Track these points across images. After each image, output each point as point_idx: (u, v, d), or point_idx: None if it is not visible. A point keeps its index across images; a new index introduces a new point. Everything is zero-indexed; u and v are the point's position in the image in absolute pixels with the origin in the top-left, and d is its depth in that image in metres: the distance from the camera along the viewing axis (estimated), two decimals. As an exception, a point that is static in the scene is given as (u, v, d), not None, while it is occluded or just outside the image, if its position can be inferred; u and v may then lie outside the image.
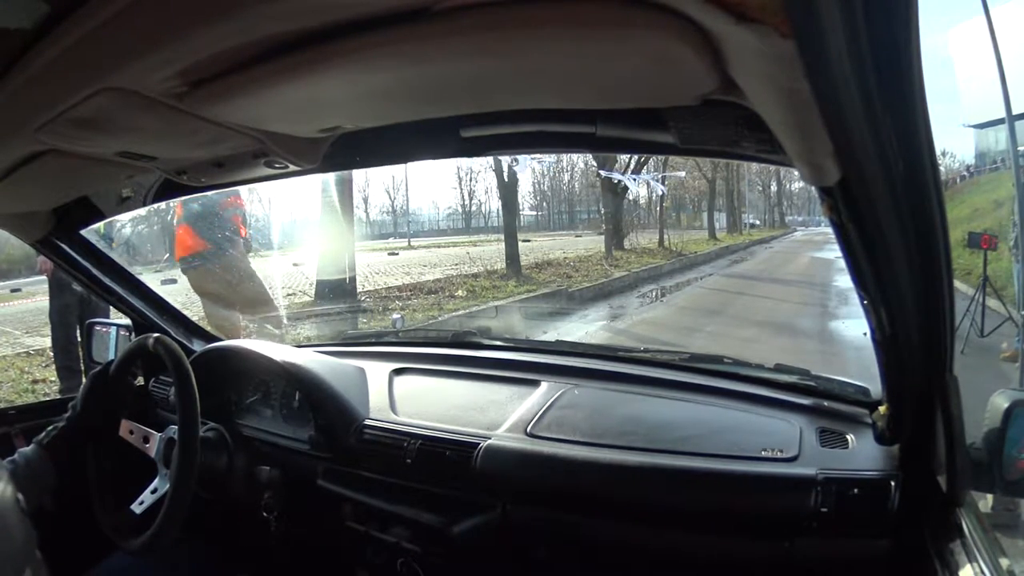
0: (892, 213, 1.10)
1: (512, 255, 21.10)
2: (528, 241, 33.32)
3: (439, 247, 33.88)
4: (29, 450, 2.27)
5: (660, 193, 35.84)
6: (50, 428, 2.33)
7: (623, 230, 28.94)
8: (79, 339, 6.79)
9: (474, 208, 59.68)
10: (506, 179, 23.27)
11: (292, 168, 1.86)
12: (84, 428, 2.36)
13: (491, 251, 24.62)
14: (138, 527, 2.24)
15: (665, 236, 32.08)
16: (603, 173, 24.84)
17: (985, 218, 22.45)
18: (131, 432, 2.36)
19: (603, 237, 28.74)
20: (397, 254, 30.66)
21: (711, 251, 32.27)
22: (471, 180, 57.95)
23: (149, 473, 2.30)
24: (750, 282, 21.72)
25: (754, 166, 39.18)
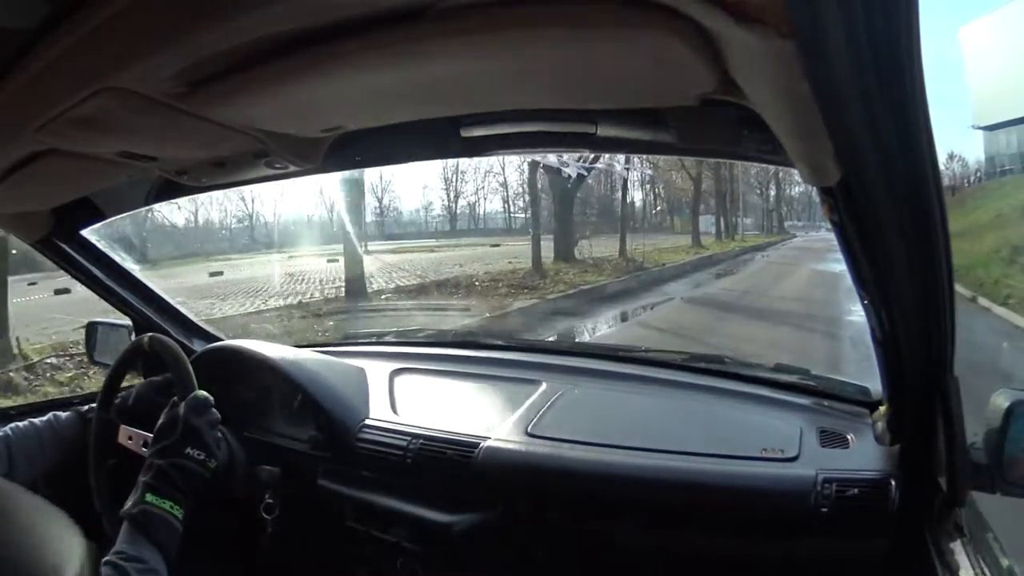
0: (892, 213, 1.10)
1: (353, 281, 17.68)
2: (497, 246, 31.16)
3: (399, 252, 31.37)
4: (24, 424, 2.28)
5: (626, 184, 32.58)
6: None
7: (572, 235, 24.56)
8: None
9: (463, 210, 54.80)
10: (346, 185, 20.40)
11: (293, 168, 1.87)
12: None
13: (440, 258, 22.29)
14: None
15: (633, 243, 27.34)
16: (542, 160, 19.44)
17: (1016, 225, 21.28)
18: (130, 438, 2.36)
19: (585, 241, 25.23)
20: (337, 261, 24.96)
21: (687, 262, 27.14)
22: (458, 180, 53.38)
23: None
24: (723, 314, 15.85)
25: (752, 167, 38.15)
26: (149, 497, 1.84)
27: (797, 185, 49.94)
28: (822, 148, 0.99)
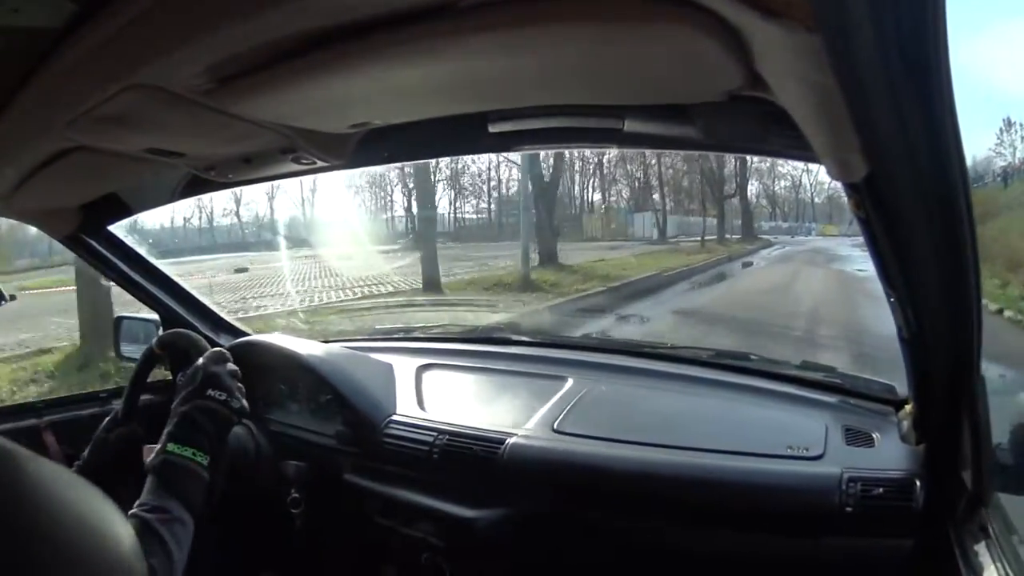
0: (919, 209, 1.10)
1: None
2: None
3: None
4: None
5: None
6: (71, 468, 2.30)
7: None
8: None
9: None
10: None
11: (320, 164, 1.87)
12: (99, 469, 2.32)
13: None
14: None
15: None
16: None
17: None
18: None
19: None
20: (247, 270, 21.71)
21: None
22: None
23: None
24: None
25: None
26: (171, 447, 1.83)
27: (781, 179, 41.45)
28: (848, 143, 0.98)
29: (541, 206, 22.85)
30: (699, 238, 32.17)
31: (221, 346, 2.82)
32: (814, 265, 21.69)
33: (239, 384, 2.05)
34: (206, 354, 2.05)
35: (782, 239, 35.76)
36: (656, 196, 36.48)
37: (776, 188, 42.33)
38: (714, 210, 35.30)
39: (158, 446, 1.85)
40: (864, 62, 0.82)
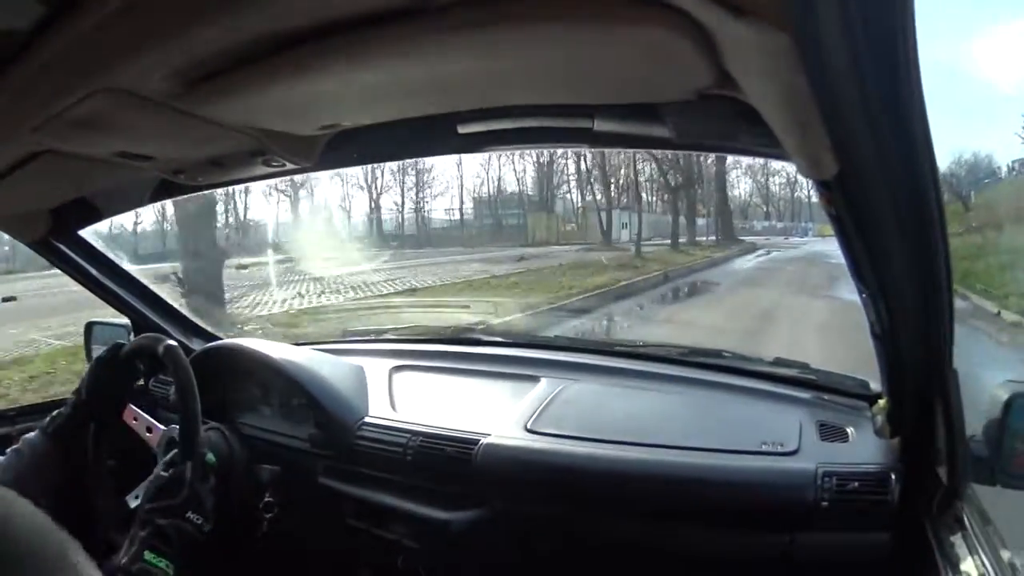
0: (890, 206, 1.10)
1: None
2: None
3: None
4: (34, 436, 2.23)
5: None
6: (55, 414, 2.28)
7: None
8: None
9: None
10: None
11: (289, 166, 1.87)
12: (89, 414, 2.32)
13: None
14: (130, 520, 2.23)
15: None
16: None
17: None
18: (135, 419, 2.33)
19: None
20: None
21: None
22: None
23: (150, 466, 2.28)
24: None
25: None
26: (148, 555, 1.88)
27: (775, 175, 39.47)
28: (819, 141, 0.99)
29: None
30: (668, 241, 26.88)
31: (193, 350, 2.81)
32: (803, 292, 15.91)
33: (214, 497, 2.12)
34: (195, 466, 2.10)
35: (774, 240, 32.78)
36: (600, 193, 33.04)
37: (770, 185, 40.56)
38: (703, 208, 31.33)
39: (130, 548, 1.92)
40: (834, 61, 0.82)
